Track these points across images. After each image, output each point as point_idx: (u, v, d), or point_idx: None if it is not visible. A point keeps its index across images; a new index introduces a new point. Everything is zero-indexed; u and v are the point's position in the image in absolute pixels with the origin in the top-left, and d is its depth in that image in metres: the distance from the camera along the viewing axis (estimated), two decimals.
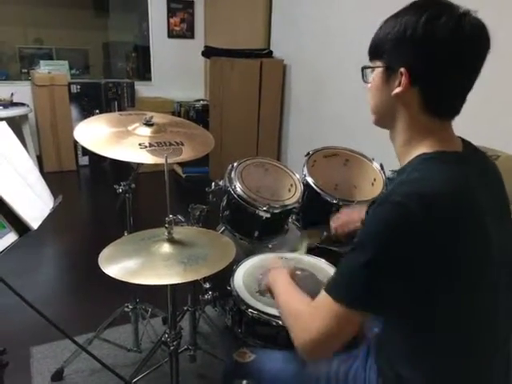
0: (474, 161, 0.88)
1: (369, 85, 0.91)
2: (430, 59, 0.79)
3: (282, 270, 1.14)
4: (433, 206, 0.74)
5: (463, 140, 0.90)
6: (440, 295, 0.77)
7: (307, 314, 0.87)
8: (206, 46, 4.25)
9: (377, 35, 0.86)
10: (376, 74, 0.88)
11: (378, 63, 0.86)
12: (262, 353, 1.15)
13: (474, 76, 0.82)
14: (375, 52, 0.87)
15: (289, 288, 1.03)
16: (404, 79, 0.81)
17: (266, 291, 1.16)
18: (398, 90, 0.83)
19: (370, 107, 0.93)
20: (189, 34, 5.06)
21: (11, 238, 1.04)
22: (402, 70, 0.81)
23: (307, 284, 1.39)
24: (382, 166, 1.91)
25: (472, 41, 0.78)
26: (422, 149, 0.84)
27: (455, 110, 0.85)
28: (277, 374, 1.06)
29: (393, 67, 0.83)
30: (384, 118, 0.91)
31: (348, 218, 1.47)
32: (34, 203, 1.19)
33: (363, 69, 0.91)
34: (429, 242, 0.74)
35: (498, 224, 0.83)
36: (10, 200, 1.05)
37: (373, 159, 1.96)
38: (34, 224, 1.10)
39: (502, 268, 0.85)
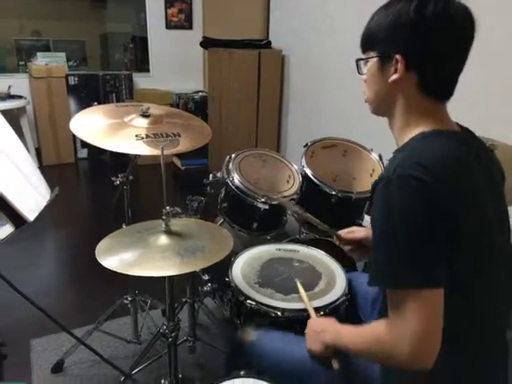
0: (471, 141, 0.91)
1: (363, 76, 0.95)
2: (423, 42, 0.83)
3: (328, 323, 1.04)
4: (435, 172, 0.78)
5: (460, 125, 0.94)
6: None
7: (391, 327, 0.82)
8: (204, 37, 4.21)
9: (368, 27, 0.91)
10: (371, 65, 0.91)
11: (372, 54, 0.90)
12: (264, 332, 1.16)
13: (464, 57, 0.86)
14: (368, 43, 0.92)
15: (353, 330, 0.95)
16: (400, 65, 0.85)
17: (330, 353, 1.00)
18: (394, 76, 0.86)
19: (365, 98, 0.97)
20: (187, 24, 5.02)
21: (7, 230, 1.04)
22: (398, 56, 0.85)
23: (306, 276, 1.40)
24: (380, 156, 1.91)
25: (459, 22, 0.83)
26: (420, 129, 0.87)
27: (449, 91, 0.89)
28: (278, 351, 1.07)
29: (387, 55, 0.87)
30: (382, 107, 0.94)
31: (356, 229, 1.36)
32: (30, 195, 1.18)
33: (357, 61, 0.95)
34: (439, 203, 0.77)
35: (492, 199, 0.87)
36: (6, 192, 1.05)
37: (371, 150, 1.96)
38: (30, 216, 1.09)
39: (499, 243, 0.88)
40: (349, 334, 0.95)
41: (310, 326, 1.08)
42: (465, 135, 0.91)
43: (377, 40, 0.88)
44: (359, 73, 0.96)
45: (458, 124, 0.93)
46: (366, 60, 0.92)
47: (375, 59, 0.89)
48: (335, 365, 0.98)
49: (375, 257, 0.84)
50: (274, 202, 1.69)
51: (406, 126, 0.90)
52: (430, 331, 0.78)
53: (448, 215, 0.77)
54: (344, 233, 1.34)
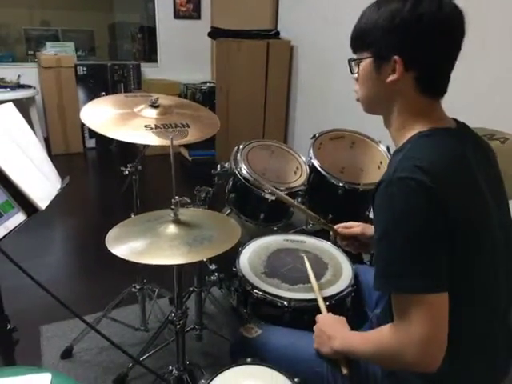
0: (467, 136, 0.92)
1: (355, 75, 0.94)
2: (420, 43, 0.82)
3: (337, 328, 1.03)
4: (433, 172, 0.78)
5: (457, 120, 0.94)
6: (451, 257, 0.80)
7: (397, 331, 0.83)
8: (212, 27, 4.19)
9: (360, 26, 0.89)
10: (365, 65, 0.90)
11: (366, 54, 0.89)
12: (268, 328, 1.17)
13: (457, 53, 0.86)
14: (361, 43, 0.90)
15: (361, 336, 0.97)
16: (399, 66, 0.84)
17: (338, 357, 1.00)
18: (392, 77, 0.86)
19: (357, 97, 0.97)
20: (195, 14, 5.00)
21: (20, 218, 1.05)
22: (396, 57, 0.83)
23: (312, 266, 1.40)
24: (388, 148, 1.90)
25: (453, 20, 0.83)
26: (417, 129, 0.87)
27: (444, 89, 0.89)
28: (282, 350, 1.08)
29: (384, 56, 0.85)
30: (378, 106, 0.94)
31: (353, 224, 1.35)
32: (42, 184, 1.20)
33: (349, 61, 0.94)
34: (439, 203, 0.77)
35: (492, 194, 0.87)
36: (18, 180, 1.06)
37: (379, 142, 1.95)
38: (42, 204, 1.11)
39: (500, 233, 0.88)
40: (356, 340, 0.95)
41: (319, 324, 1.06)
42: (460, 130, 0.92)
43: (370, 40, 0.87)
44: (351, 72, 0.95)
45: (454, 119, 0.93)
46: (360, 60, 0.91)
47: (370, 59, 0.88)
48: (344, 370, 0.98)
49: (378, 260, 0.83)
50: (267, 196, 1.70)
51: (403, 127, 0.90)
52: (436, 335, 0.78)
53: (448, 213, 0.77)
54: (341, 227, 1.33)
